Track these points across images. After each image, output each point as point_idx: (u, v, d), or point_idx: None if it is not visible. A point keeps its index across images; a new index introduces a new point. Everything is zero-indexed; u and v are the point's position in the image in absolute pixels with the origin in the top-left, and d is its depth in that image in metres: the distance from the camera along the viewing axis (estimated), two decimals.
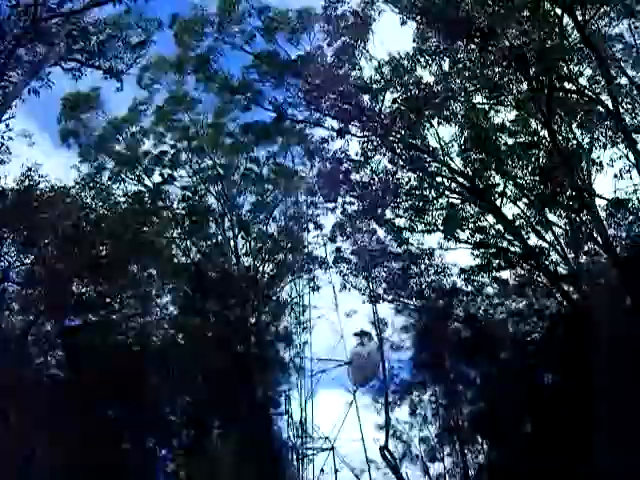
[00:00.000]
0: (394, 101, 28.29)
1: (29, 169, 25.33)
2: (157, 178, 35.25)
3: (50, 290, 25.55)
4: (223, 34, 30.26)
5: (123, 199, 30.18)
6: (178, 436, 31.16)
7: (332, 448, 37.63)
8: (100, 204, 28.36)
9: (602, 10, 25.50)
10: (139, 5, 21.57)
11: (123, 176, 33.89)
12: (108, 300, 28.73)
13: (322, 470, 36.44)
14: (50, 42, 20.41)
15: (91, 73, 22.14)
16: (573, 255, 27.52)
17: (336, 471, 36.94)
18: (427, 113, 28.42)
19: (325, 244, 34.99)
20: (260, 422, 31.74)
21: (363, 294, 33.40)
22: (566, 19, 24.87)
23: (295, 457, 34.81)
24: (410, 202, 30.30)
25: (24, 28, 19.22)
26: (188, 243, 34.20)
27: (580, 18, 24.05)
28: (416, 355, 34.29)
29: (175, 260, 32.34)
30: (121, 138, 34.82)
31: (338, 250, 33.70)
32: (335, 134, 29.79)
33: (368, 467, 35.81)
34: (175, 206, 34.47)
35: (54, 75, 21.37)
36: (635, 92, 27.79)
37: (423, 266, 32.05)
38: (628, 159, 26.83)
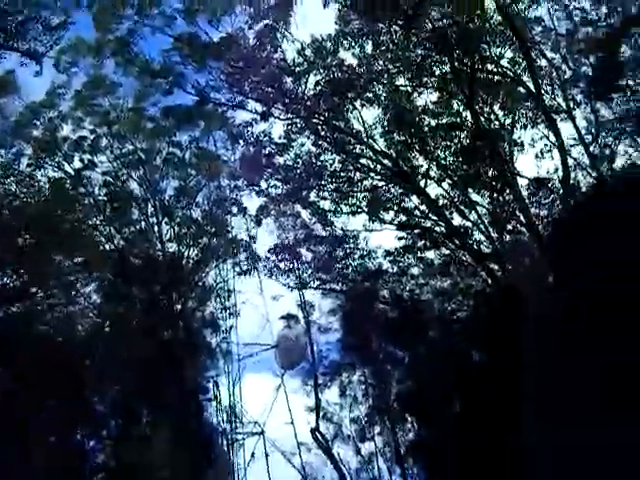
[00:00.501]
0: (317, 83, 28.30)
1: None
2: (77, 164, 34.43)
3: None
4: (143, 16, 29.72)
5: (44, 186, 29.49)
6: (107, 426, 30.71)
7: (262, 432, 37.63)
8: (23, 191, 27.64)
9: None
10: None
11: (42, 162, 33.03)
12: (30, 290, 28.05)
13: (253, 455, 36.42)
14: None
15: (8, 56, 21.43)
16: (497, 234, 27.99)
17: (267, 455, 37.00)
18: (350, 95, 28.49)
19: (249, 228, 34.77)
20: (189, 409, 31.49)
21: (289, 281, 33.40)
22: (487, 1, 25.32)
23: (225, 442, 34.70)
24: (335, 184, 30.35)
25: None
26: (111, 229, 33.52)
27: (502, 1, 24.44)
28: (344, 337, 34.38)
29: (98, 247, 31.59)
30: (39, 123, 33.87)
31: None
32: (259, 117, 29.68)
33: (299, 450, 36.03)
34: (97, 192, 33.83)
35: None
36: (554, 74, 28.49)
37: (348, 249, 32.12)
38: (548, 139, 27.52)
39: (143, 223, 35.08)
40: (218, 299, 36.23)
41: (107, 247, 32.95)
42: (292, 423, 37.01)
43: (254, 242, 34.50)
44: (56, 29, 23.27)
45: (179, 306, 33.85)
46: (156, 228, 34.95)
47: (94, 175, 34.28)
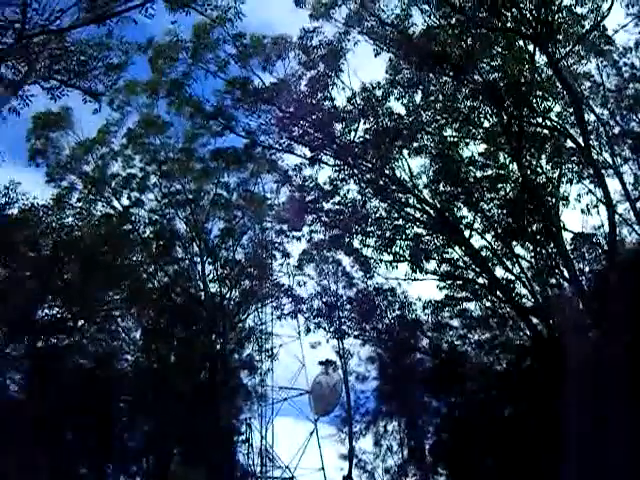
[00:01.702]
0: (366, 131, 28.56)
1: (6, 187, 25.16)
2: (126, 201, 35.06)
3: (16, 311, 25.20)
4: (197, 60, 30.29)
5: (94, 221, 30.09)
6: (138, 463, 30.77)
7: (292, 478, 37.48)
8: (77, 225, 28.22)
9: (573, 48, 26.17)
10: (120, 28, 21.43)
11: (93, 197, 33.69)
12: (73, 324, 28.42)
13: None
14: (33, 60, 20.25)
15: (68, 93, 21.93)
16: (539, 287, 27.79)
17: None
18: (398, 144, 28.70)
19: (292, 274, 34.87)
20: (222, 450, 31.48)
21: (328, 331, 33.38)
22: (537, 54, 25.53)
23: None
24: (378, 232, 30.41)
25: (8, 44, 19.07)
26: (155, 267, 33.90)
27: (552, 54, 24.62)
28: (381, 386, 34.23)
29: (143, 284, 31.94)
30: (90, 159, 34.62)
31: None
32: (307, 162, 29.94)
33: None
34: (143, 230, 34.34)
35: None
36: (602, 129, 28.51)
37: (389, 298, 32.03)
38: (594, 194, 27.45)
39: (187, 262, 35.44)
40: (256, 342, 36.38)
41: (151, 284, 33.25)
42: (323, 469, 36.87)
43: (295, 287, 34.46)
44: (116, 69, 23.82)
45: (218, 346, 34.03)
46: (199, 268, 35.28)
47: (141, 213, 34.88)
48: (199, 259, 35.53)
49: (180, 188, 35.54)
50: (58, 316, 27.76)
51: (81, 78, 21.75)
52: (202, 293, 35.08)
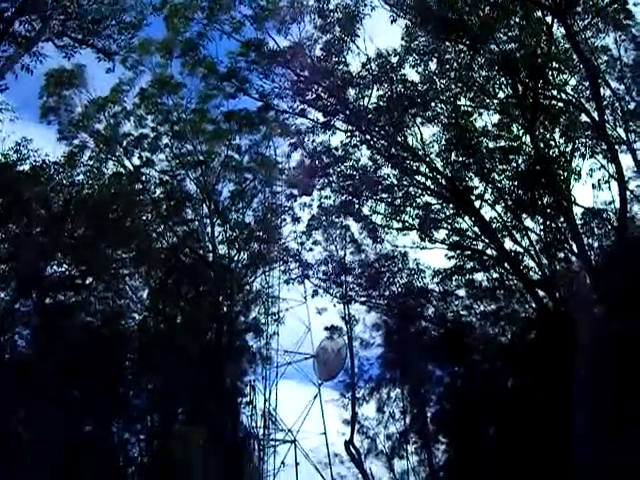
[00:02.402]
0: (379, 98, 28.43)
1: (18, 143, 25.10)
2: (137, 161, 35.03)
3: (26, 267, 25.32)
4: (212, 20, 30.14)
5: (104, 180, 30.12)
6: (142, 421, 31.07)
7: (294, 440, 37.79)
8: (88, 183, 28.25)
9: (591, 21, 25.91)
10: None
11: (103, 156, 33.67)
12: (81, 281, 28.53)
13: (283, 463, 36.62)
14: (46, 17, 20.15)
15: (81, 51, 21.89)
16: (547, 261, 27.80)
17: (297, 464, 37.13)
18: (411, 112, 28.57)
19: (302, 239, 34.90)
20: (226, 410, 31.74)
21: (334, 297, 33.53)
22: (555, 27, 25.29)
23: (257, 448, 34.84)
24: (388, 199, 30.40)
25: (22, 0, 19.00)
26: (164, 227, 33.95)
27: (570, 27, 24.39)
28: (386, 353, 34.37)
29: (151, 243, 31.99)
30: (102, 118, 34.54)
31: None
32: (319, 126, 29.86)
33: (329, 460, 36.08)
34: (153, 190, 34.34)
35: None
36: (617, 104, 28.27)
37: (397, 266, 32.10)
38: (606, 170, 27.30)
39: (196, 223, 35.46)
40: (263, 305, 36.51)
41: (160, 244, 33.32)
42: (325, 434, 37.15)
43: (304, 251, 34.52)
44: (130, 28, 23.70)
45: (225, 308, 34.15)
46: (209, 229, 35.32)
47: (152, 173, 34.89)
48: (208, 220, 35.49)
49: (191, 149, 35.39)
50: (67, 273, 27.82)
51: (95, 36, 21.69)
52: (210, 254, 35.11)
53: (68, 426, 25.24)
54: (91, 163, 31.80)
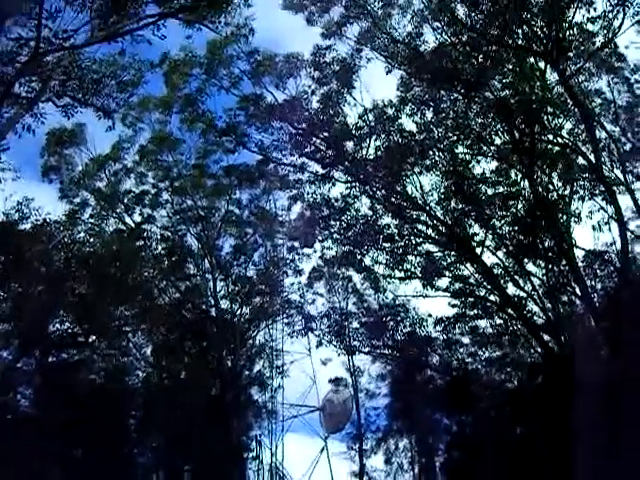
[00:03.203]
0: (377, 148, 28.65)
1: (20, 202, 25.30)
2: (137, 217, 35.18)
3: (28, 325, 25.27)
4: (211, 76, 30.53)
5: (105, 237, 30.24)
6: (149, 478, 30.76)
7: None
8: (89, 241, 28.36)
9: (584, 65, 26.23)
10: (133, 46, 21.59)
11: (105, 214, 33.83)
12: (84, 339, 28.46)
13: None
14: (46, 77, 20.42)
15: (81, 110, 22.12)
16: (551, 305, 27.70)
17: None
18: (409, 161, 28.74)
19: (303, 291, 34.90)
20: (232, 466, 31.42)
21: (339, 348, 33.37)
22: (549, 72, 25.59)
23: None
24: (389, 249, 30.41)
25: (23, 63, 19.23)
26: (166, 283, 33.94)
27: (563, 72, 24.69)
28: (392, 403, 34.15)
29: (154, 300, 31.97)
30: (103, 175, 34.79)
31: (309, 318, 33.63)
32: (318, 179, 30.03)
33: None
34: (155, 246, 34.39)
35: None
36: (613, 146, 28.49)
37: (400, 315, 31.98)
38: (606, 212, 27.36)
39: (198, 278, 35.48)
40: (267, 358, 36.35)
41: (162, 300, 33.28)
42: None
43: (306, 304, 34.49)
44: (128, 87, 23.98)
45: (229, 363, 34.01)
46: (211, 284, 35.33)
47: (153, 229, 34.99)
48: (210, 275, 35.58)
49: (192, 204, 35.63)
50: (69, 331, 27.75)
51: (94, 96, 21.92)
52: (213, 309, 35.18)
53: None
54: (92, 221, 32.10)
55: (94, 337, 28.75)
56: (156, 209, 35.41)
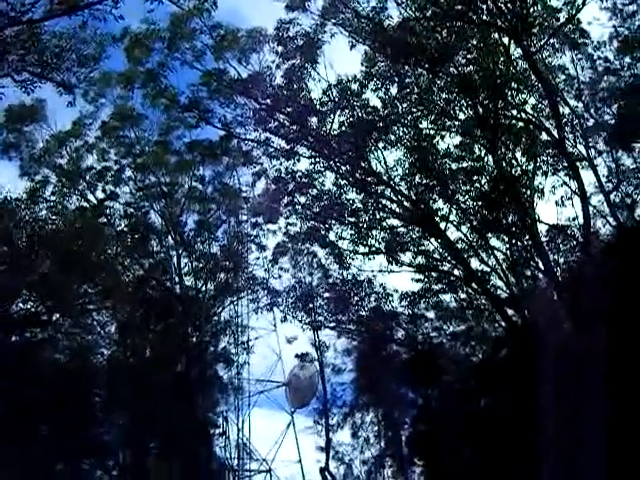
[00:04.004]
0: (342, 123, 28.57)
1: None
2: (100, 194, 34.80)
3: None
4: (173, 50, 30.10)
5: (68, 214, 29.89)
6: (114, 457, 30.67)
7: (269, 470, 37.50)
8: (51, 219, 28.03)
9: (547, 41, 26.35)
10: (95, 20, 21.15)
11: (67, 191, 33.36)
12: (47, 318, 28.23)
13: None
14: (4, 52, 20.00)
15: (41, 85, 21.67)
16: (514, 279, 27.96)
17: None
18: (373, 136, 28.72)
19: (267, 267, 34.83)
20: (199, 443, 31.43)
21: (304, 323, 33.42)
22: (513, 48, 25.68)
23: (232, 479, 34.56)
24: (354, 224, 30.45)
25: None
26: (130, 260, 33.69)
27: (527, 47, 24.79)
28: (358, 378, 34.31)
29: (117, 277, 31.72)
30: (65, 152, 34.27)
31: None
32: (283, 154, 29.93)
33: None
34: (118, 223, 34.07)
35: None
36: (576, 122, 28.73)
37: (365, 292, 32.09)
38: (568, 187, 27.62)
39: (162, 255, 35.25)
40: (232, 334, 36.31)
41: (126, 278, 33.05)
42: (301, 462, 36.91)
43: (271, 279, 34.46)
44: (90, 61, 23.56)
45: (194, 339, 33.94)
46: (175, 261, 35.16)
47: (116, 206, 34.63)
48: (174, 252, 35.43)
49: (155, 181, 35.26)
50: (32, 310, 27.53)
51: (54, 70, 21.51)
52: (177, 286, 35.01)
53: (38, 466, 24.84)
54: (54, 198, 31.62)
55: (57, 315, 28.57)
56: (119, 186, 35.01)
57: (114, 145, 34.93)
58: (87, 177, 34.64)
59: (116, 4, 19.77)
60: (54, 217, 28.82)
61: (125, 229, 34.01)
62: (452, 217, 28.86)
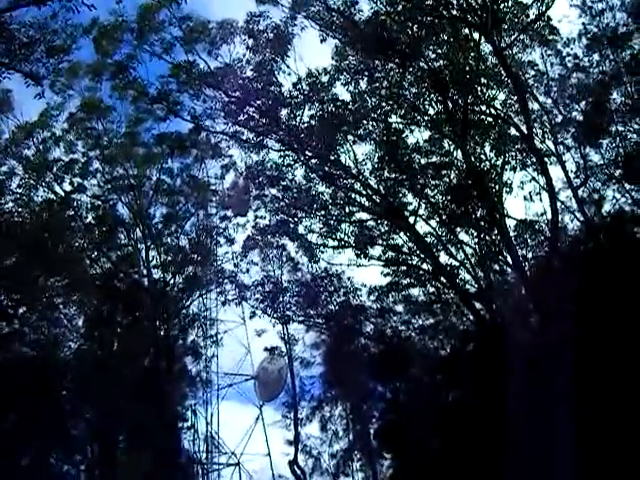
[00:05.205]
0: (311, 117, 28.56)
1: None
2: (67, 186, 34.37)
3: None
4: (142, 42, 29.84)
5: (34, 207, 29.58)
6: (82, 451, 30.43)
7: (238, 463, 37.49)
8: (18, 211, 27.73)
9: (517, 37, 26.55)
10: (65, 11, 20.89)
11: (33, 183, 32.92)
12: (14, 311, 27.94)
13: None
14: None
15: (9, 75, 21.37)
16: (483, 273, 28.17)
17: None
18: (343, 130, 28.75)
19: (236, 260, 34.76)
20: (167, 436, 31.29)
21: (272, 317, 33.40)
22: (483, 44, 25.83)
23: (201, 472, 34.49)
24: (323, 218, 30.50)
25: None
26: (98, 253, 33.43)
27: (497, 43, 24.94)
28: (326, 371, 34.38)
29: (85, 270, 31.47)
30: (31, 144, 33.80)
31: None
32: (252, 147, 29.88)
33: None
34: (85, 215, 33.74)
35: None
36: (545, 117, 28.98)
37: (333, 285, 32.18)
38: (537, 182, 27.89)
39: (130, 248, 34.97)
40: (201, 328, 36.20)
41: (94, 271, 32.81)
42: (269, 455, 36.94)
43: (240, 273, 34.38)
44: (59, 52, 23.26)
45: (162, 333, 33.78)
46: (143, 254, 34.89)
47: (83, 198, 34.25)
48: (142, 245, 35.10)
49: (123, 173, 34.83)
50: None
51: (22, 61, 21.24)
52: (145, 279, 34.75)
53: (4, 460, 24.56)
54: (20, 190, 31.16)
55: (24, 309, 28.28)
56: (86, 178, 34.47)
57: (82, 137, 34.41)
58: (54, 169, 34.05)
59: None
60: (20, 209, 28.49)
61: (93, 222, 33.68)
62: (421, 211, 29.19)
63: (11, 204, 28.56)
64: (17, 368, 26.36)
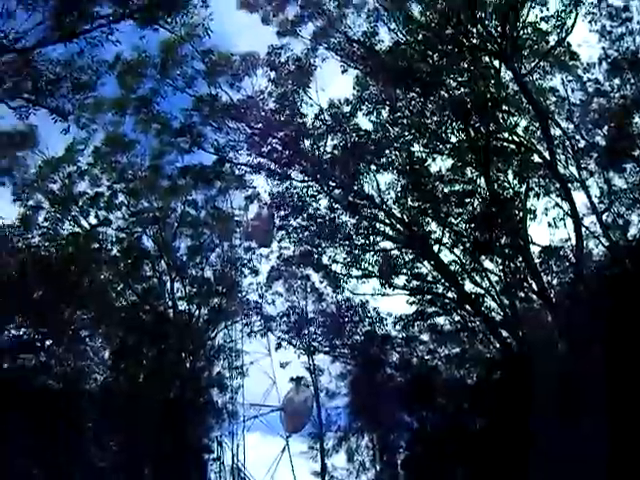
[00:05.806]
0: (334, 147, 28.70)
1: None
2: (93, 220, 34.66)
3: None
4: (165, 76, 30.19)
5: (60, 240, 29.82)
6: None
7: None
8: (44, 245, 27.94)
9: (538, 64, 26.59)
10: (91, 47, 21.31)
11: (60, 217, 33.23)
12: (40, 344, 28.10)
13: None
14: None
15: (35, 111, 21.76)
16: (508, 301, 27.97)
17: None
18: (366, 160, 28.85)
19: (261, 291, 34.85)
20: (193, 469, 31.23)
21: (298, 348, 33.37)
22: (503, 70, 25.90)
23: None
24: (347, 248, 30.51)
25: None
26: (123, 286, 33.59)
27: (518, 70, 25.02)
28: (352, 402, 34.18)
29: (110, 303, 31.61)
30: (57, 178, 34.17)
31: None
32: (275, 179, 30.05)
33: None
34: (110, 248, 33.95)
35: None
36: (568, 143, 28.90)
37: (359, 314, 32.09)
38: (561, 208, 27.76)
39: (155, 280, 35.13)
40: (226, 359, 36.20)
41: (119, 303, 32.95)
42: None
43: (265, 303, 34.45)
44: (84, 88, 23.60)
45: (187, 364, 33.81)
46: (168, 286, 35.04)
47: (109, 231, 34.49)
48: (167, 277, 35.26)
49: (148, 206, 35.18)
50: (25, 337, 27.38)
51: (49, 97, 21.57)
52: (171, 311, 34.85)
53: None
54: (47, 224, 31.47)
55: (50, 342, 28.42)
56: (111, 211, 34.74)
57: (106, 171, 34.75)
58: (80, 203, 34.46)
59: (110, 32, 19.94)
60: (47, 243, 28.70)
61: (118, 254, 33.86)
62: (445, 239, 28.99)
63: (38, 238, 28.78)
64: (43, 400, 26.45)
